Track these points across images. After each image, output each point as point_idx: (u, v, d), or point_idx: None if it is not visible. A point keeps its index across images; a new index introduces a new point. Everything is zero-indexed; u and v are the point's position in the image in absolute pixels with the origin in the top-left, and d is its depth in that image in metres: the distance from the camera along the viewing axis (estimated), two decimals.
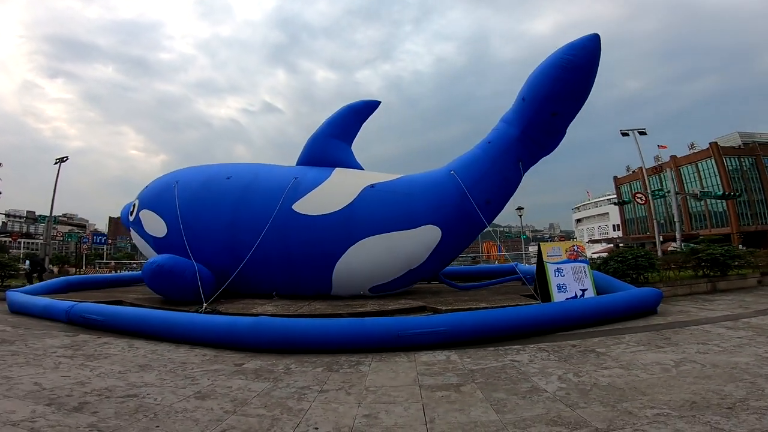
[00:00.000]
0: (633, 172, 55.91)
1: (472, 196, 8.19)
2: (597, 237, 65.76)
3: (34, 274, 12.25)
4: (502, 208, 9.17)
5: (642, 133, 19.66)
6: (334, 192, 8.42)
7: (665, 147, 40.98)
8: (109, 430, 2.47)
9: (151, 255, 9.79)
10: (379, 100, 10.45)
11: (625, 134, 19.81)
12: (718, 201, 38.61)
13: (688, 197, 30.57)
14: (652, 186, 54.74)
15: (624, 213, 62.19)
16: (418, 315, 6.41)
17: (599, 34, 7.05)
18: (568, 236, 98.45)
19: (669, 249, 21.70)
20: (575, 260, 7.28)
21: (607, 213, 71.54)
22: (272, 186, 8.70)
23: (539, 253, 7.51)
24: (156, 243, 9.43)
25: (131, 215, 10.23)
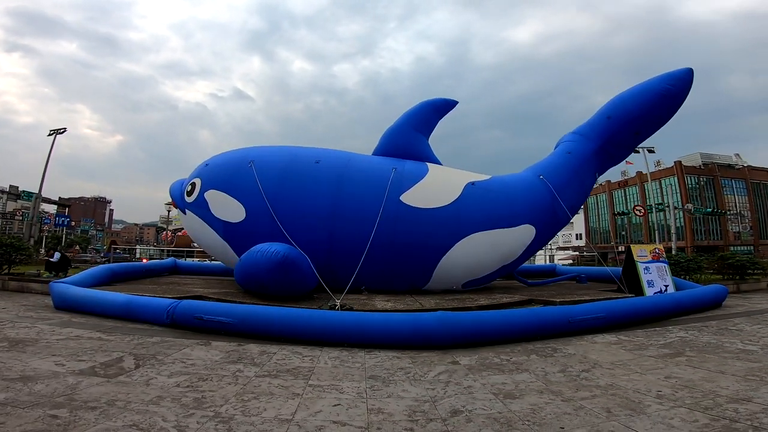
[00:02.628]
0: (600, 184, 63.28)
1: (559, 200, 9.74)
2: (561, 245, 73.21)
3: (60, 272, 11.11)
4: (577, 211, 10.91)
5: (650, 151, 23.34)
6: (440, 186, 9.36)
7: (631, 163, 47.40)
8: None
9: (214, 240, 9.78)
10: (456, 100, 11.37)
11: (635, 151, 23.28)
12: (678, 217, 45.89)
13: (678, 210, 36.03)
14: (615, 200, 62.35)
15: (588, 223, 69.95)
16: (531, 307, 7.74)
17: (693, 68, 8.97)
18: None
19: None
20: (657, 260, 9.17)
21: (572, 222, 79.93)
22: (372, 175, 9.32)
23: (629, 253, 9.29)
24: (228, 228, 9.42)
25: (189, 195, 10.04)
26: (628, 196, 60.08)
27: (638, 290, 8.74)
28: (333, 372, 4.20)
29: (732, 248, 42.02)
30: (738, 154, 55.22)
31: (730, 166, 50.76)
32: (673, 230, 24.78)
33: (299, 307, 6.83)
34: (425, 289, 9.48)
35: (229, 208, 9.36)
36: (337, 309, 6.64)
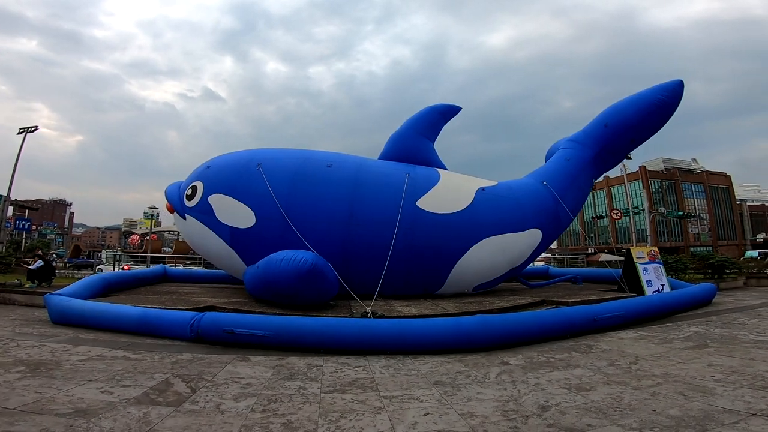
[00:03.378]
0: None
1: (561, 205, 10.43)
2: None
3: (44, 282, 10.36)
4: (576, 215, 11.67)
5: (627, 157, 25.14)
6: (453, 192, 9.75)
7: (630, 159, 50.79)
8: None
9: (218, 248, 9.59)
10: (460, 106, 11.88)
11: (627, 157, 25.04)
12: (641, 219, 49.52)
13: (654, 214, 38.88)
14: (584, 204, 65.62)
15: None
16: (544, 308, 8.27)
17: (683, 80, 9.95)
18: None
19: (599, 260, 27.99)
20: (654, 261, 10.02)
21: None
22: (387, 180, 9.56)
23: (629, 255, 10.08)
24: (236, 234, 9.25)
25: (189, 199, 9.80)
26: (596, 200, 63.86)
27: (638, 290, 9.51)
28: (396, 381, 4.30)
29: (692, 249, 45.84)
30: (695, 159, 60.31)
31: (689, 171, 55.40)
32: (648, 232, 26.90)
33: (323, 316, 6.92)
34: (438, 293, 9.80)
35: (236, 213, 9.21)
36: (370, 316, 6.77)
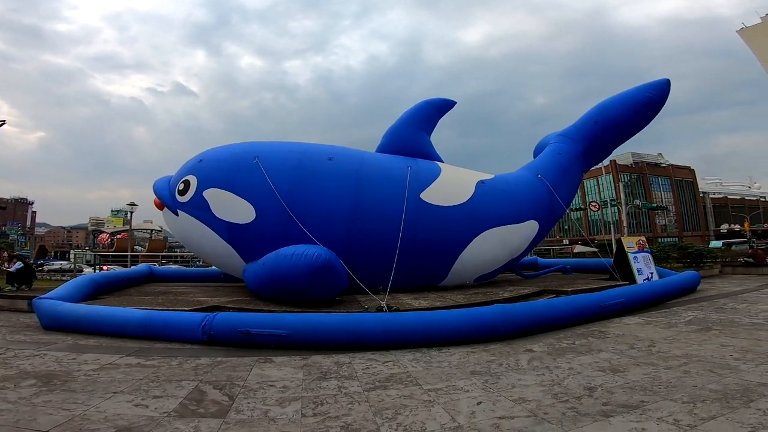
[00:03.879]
0: None
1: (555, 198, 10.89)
2: None
3: (24, 285, 9.68)
4: (568, 207, 12.21)
5: None
6: (455, 184, 9.96)
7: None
8: None
9: (214, 244, 9.33)
10: (455, 100, 12.05)
11: None
12: (612, 212, 52.28)
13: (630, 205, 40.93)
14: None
15: None
16: (545, 297, 8.67)
17: (669, 79, 10.56)
18: None
19: (573, 251, 29.57)
20: (642, 250, 10.67)
21: None
22: (390, 173, 9.62)
23: (620, 245, 10.68)
24: (234, 230, 9.03)
25: (181, 194, 9.47)
26: None
27: (630, 278, 10.11)
28: (432, 374, 4.37)
29: (659, 240, 48.81)
30: (661, 154, 64.02)
31: (656, 165, 58.79)
32: (625, 224, 28.47)
33: (334, 311, 6.94)
34: (440, 285, 10.01)
35: (235, 208, 8.99)
36: (385, 310, 6.85)
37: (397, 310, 7.01)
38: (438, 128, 11.77)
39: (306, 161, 9.56)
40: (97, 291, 9.00)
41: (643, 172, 55.37)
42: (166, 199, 9.73)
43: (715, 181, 75.99)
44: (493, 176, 11.07)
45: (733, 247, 25.65)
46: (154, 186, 10.26)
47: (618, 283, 9.81)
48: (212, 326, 5.74)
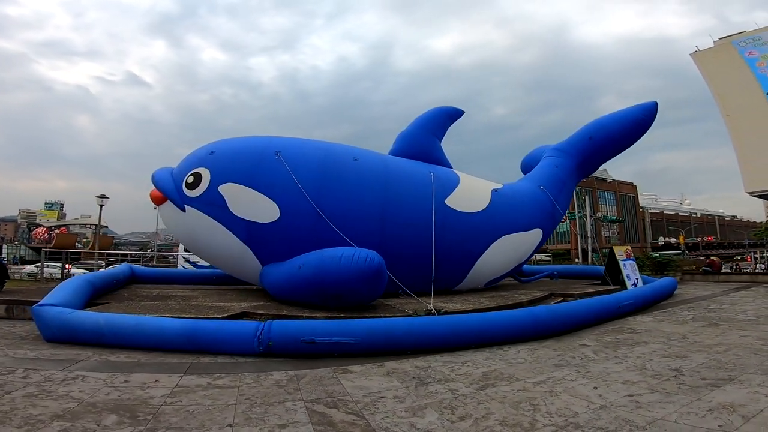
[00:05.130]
0: None
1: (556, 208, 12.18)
2: None
3: None
4: (564, 216, 13.62)
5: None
6: (474, 192, 10.79)
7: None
8: None
9: (227, 245, 8.98)
10: (463, 110, 12.86)
11: None
12: (564, 223, 57.43)
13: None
14: None
15: None
16: (554, 301, 9.78)
17: (657, 102, 12.31)
18: None
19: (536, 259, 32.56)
20: (629, 258, 12.26)
21: None
22: (414, 178, 10.15)
23: (612, 253, 12.19)
24: (254, 230, 8.78)
25: (191, 188, 8.93)
26: None
27: (620, 283, 11.59)
28: (522, 369, 4.76)
29: (604, 250, 54.23)
30: (606, 169, 71.21)
31: (603, 179, 65.25)
32: (589, 235, 31.49)
33: (369, 316, 7.08)
34: (456, 289, 10.71)
35: (256, 206, 8.75)
36: (434, 313, 7.28)
37: (446, 312, 7.46)
38: None
39: (331, 160, 9.63)
40: (94, 293, 8.38)
41: (593, 186, 61.33)
42: (171, 192, 9.14)
43: (651, 197, 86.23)
44: (502, 186, 12.07)
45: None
46: (153, 177, 9.62)
47: (612, 288, 11.24)
48: (270, 336, 5.40)
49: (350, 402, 3.90)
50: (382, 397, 4.02)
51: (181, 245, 19.56)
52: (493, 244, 10.55)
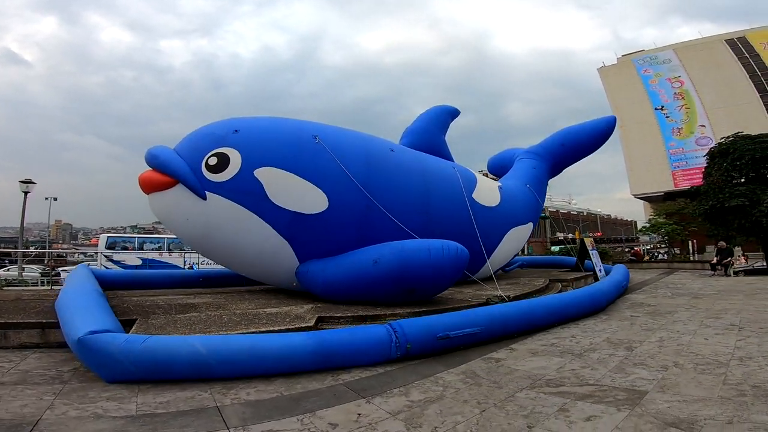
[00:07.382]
0: None
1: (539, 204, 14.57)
2: None
3: None
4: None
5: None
6: (489, 187, 12.28)
7: None
8: None
9: (260, 239, 8.31)
10: (459, 109, 14.26)
11: None
12: None
13: None
14: None
15: None
16: (556, 287, 11.99)
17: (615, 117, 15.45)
18: None
19: None
20: (593, 249, 15.24)
21: None
22: (444, 172, 11.17)
23: (582, 244, 14.99)
24: (298, 221, 8.32)
25: (215, 171, 7.95)
26: None
27: (589, 270, 14.39)
28: (621, 337, 6.00)
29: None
30: None
31: None
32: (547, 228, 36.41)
33: (434, 308, 7.73)
34: (472, 278, 12.03)
35: (302, 194, 8.34)
36: (506, 300, 8.34)
37: (509, 298, 8.56)
38: None
39: (372, 149, 9.83)
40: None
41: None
42: (186, 175, 7.84)
43: (547, 197, 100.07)
44: (500, 183, 13.88)
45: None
46: (155, 155, 8.10)
47: (587, 274, 13.94)
48: (408, 338, 5.14)
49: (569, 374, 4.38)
50: (583, 366, 4.65)
51: (101, 241, 17.32)
52: (506, 236, 12.24)
